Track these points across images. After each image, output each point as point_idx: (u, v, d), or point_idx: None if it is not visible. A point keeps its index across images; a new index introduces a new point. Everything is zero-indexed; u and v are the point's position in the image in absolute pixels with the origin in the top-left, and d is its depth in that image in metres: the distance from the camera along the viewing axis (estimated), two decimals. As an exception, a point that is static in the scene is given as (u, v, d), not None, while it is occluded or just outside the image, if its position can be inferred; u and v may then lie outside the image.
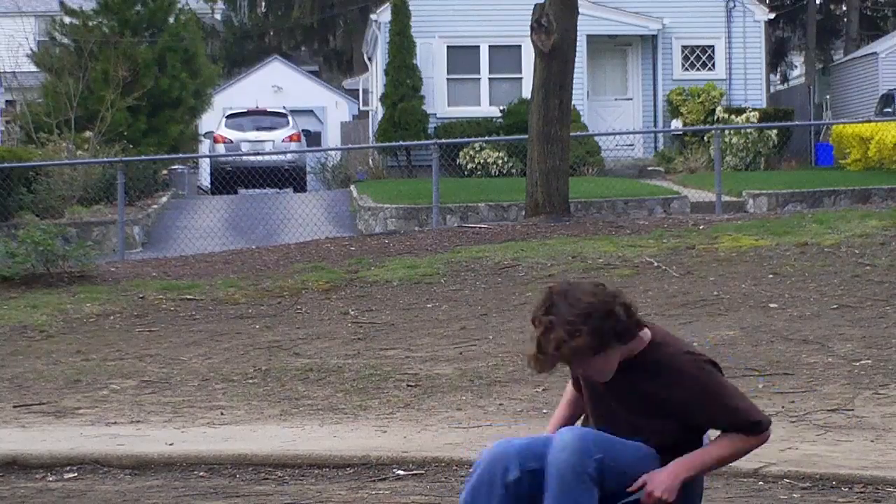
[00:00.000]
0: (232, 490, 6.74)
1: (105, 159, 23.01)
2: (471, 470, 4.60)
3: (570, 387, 4.93)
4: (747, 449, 4.62)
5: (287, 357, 10.46)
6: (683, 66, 30.38)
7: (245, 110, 33.89)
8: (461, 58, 29.91)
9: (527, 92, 22.77)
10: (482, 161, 27.60)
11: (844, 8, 45.03)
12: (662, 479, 4.49)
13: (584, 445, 4.40)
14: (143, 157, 24.21)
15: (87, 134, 25.93)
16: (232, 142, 31.38)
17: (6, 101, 34.41)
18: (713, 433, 4.67)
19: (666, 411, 4.54)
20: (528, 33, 17.13)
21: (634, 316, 4.46)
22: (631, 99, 30.73)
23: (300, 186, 28.07)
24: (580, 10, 17.42)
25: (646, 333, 4.55)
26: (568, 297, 4.39)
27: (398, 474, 6.88)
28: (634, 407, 4.56)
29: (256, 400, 9.04)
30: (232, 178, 28.52)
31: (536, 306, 4.44)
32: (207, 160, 32.49)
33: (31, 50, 33.85)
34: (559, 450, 4.41)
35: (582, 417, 4.88)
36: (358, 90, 44.18)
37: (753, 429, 4.56)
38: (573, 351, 4.36)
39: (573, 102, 18.09)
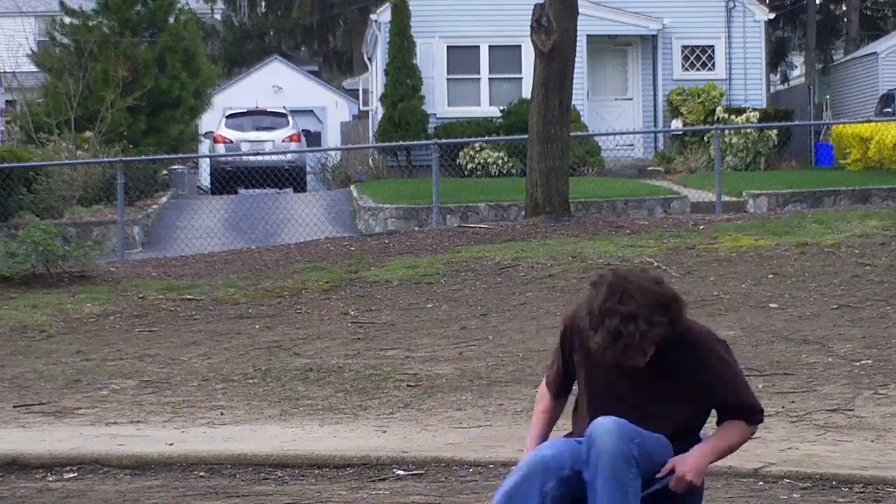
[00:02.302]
0: (232, 490, 6.74)
1: (105, 159, 23.00)
2: (508, 475, 4.60)
3: (545, 392, 4.88)
4: (748, 437, 4.70)
5: (287, 357, 10.46)
6: (683, 66, 30.38)
7: (245, 110, 33.88)
8: (461, 58, 29.91)
9: (527, 92, 22.77)
10: (482, 161, 27.60)
11: (844, 8, 45.03)
12: (691, 463, 4.51)
13: (625, 431, 4.43)
14: (143, 157, 24.20)
15: (87, 134, 25.91)
16: (232, 142, 31.37)
17: (6, 101, 34.39)
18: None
19: (689, 392, 4.57)
20: (528, 33, 17.12)
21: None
22: (631, 99, 30.72)
23: (300, 186, 28.06)
24: (580, 10, 17.42)
25: None
26: (636, 286, 4.42)
27: (398, 474, 6.88)
28: (656, 390, 4.56)
29: (256, 400, 9.04)
30: (232, 178, 28.51)
31: (603, 296, 4.41)
32: (207, 160, 32.49)
33: (31, 50, 33.84)
34: (606, 435, 4.41)
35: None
36: (358, 90, 44.19)
37: (758, 416, 4.65)
38: (652, 342, 4.40)
39: (573, 102, 18.08)
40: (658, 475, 4.51)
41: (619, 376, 4.56)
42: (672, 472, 4.51)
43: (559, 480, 4.46)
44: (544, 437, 4.81)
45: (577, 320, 4.58)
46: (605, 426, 4.43)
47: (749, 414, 4.63)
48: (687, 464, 4.51)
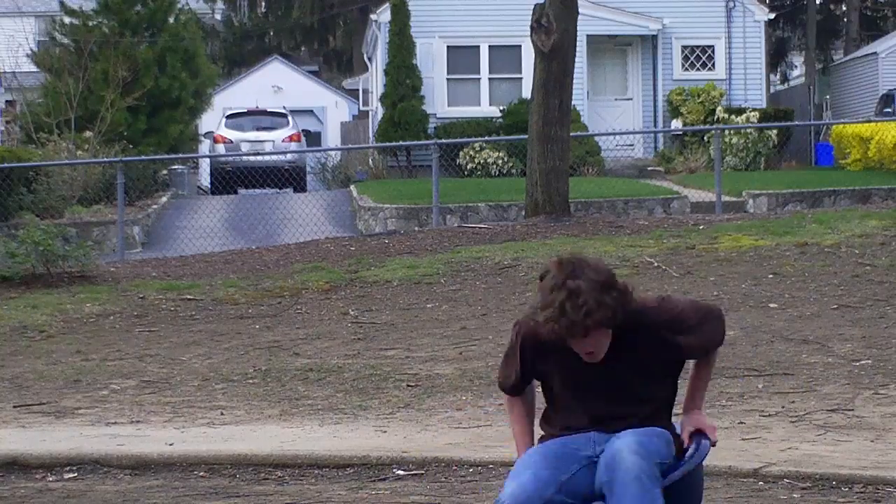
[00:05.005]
0: (232, 490, 6.74)
1: (105, 159, 23.01)
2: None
3: (512, 399, 4.74)
4: (716, 359, 4.70)
5: (287, 357, 10.46)
6: (683, 66, 30.38)
7: (245, 110, 33.88)
8: (461, 58, 29.91)
9: (527, 92, 22.77)
10: (482, 161, 27.60)
11: (844, 8, 45.03)
12: (705, 421, 4.55)
13: (644, 450, 4.38)
14: (143, 157, 24.21)
15: (87, 134, 25.91)
16: (232, 142, 31.38)
17: (6, 101, 34.40)
18: None
19: (659, 368, 4.53)
20: (528, 33, 17.12)
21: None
22: (631, 99, 30.72)
23: (300, 186, 28.07)
24: (580, 10, 17.42)
25: None
26: (585, 265, 4.38)
27: (398, 474, 6.88)
28: (626, 378, 4.51)
29: (256, 400, 9.04)
30: (232, 178, 28.51)
31: (553, 274, 4.36)
32: (207, 160, 32.50)
33: (31, 50, 33.84)
34: (632, 454, 4.36)
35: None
36: (358, 90, 44.19)
37: (720, 338, 4.58)
38: (597, 322, 4.31)
39: (573, 102, 18.07)
40: (686, 446, 4.52)
41: (591, 374, 4.51)
42: (694, 437, 4.53)
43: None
44: (531, 438, 4.73)
45: (536, 328, 4.48)
46: (625, 447, 4.38)
47: (715, 344, 4.60)
48: (702, 420, 4.56)
